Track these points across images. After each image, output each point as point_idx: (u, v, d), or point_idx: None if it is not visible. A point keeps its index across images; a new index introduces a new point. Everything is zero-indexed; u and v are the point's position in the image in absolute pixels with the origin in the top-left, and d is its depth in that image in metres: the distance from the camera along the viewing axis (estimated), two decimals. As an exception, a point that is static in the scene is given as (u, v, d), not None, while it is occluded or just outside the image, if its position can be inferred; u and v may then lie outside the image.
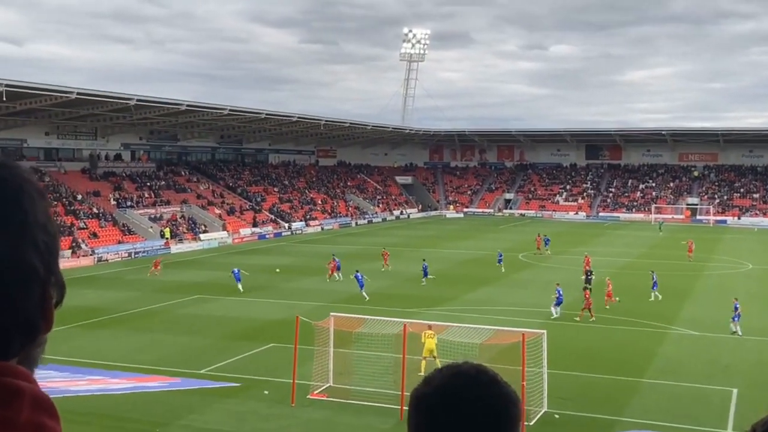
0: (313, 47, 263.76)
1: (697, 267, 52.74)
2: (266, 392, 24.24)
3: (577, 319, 35.17)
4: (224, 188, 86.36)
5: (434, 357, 25.14)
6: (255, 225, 78.32)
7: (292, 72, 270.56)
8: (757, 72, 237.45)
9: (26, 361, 1.15)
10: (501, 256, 52.60)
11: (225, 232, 73.41)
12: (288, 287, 43.96)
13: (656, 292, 40.65)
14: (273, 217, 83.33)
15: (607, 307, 37.71)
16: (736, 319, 32.92)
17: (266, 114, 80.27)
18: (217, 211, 78.03)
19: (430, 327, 26.60)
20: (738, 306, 33.30)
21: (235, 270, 44.41)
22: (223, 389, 24.82)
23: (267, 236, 76.42)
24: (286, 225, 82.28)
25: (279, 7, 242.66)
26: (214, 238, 70.83)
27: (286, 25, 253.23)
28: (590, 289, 37.97)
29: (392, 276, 47.81)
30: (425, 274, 45.72)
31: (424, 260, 47.14)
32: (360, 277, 41.28)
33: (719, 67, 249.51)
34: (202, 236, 70.38)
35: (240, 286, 42.64)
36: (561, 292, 36.69)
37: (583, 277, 43.39)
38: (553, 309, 36.30)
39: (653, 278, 41.41)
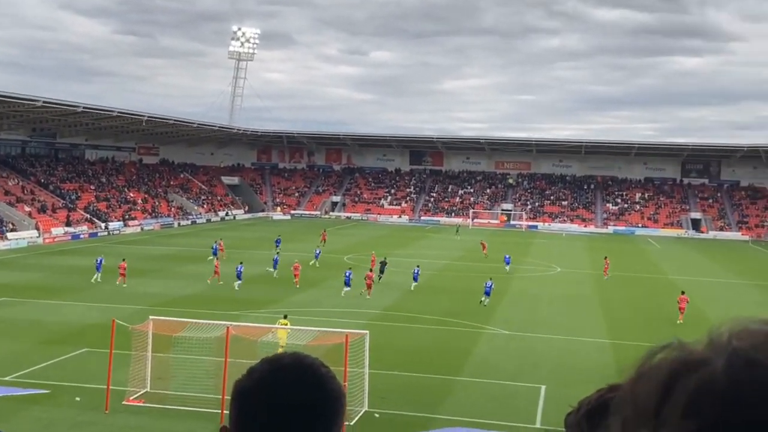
0: (128, 39, 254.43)
1: (512, 270, 55.29)
2: (78, 399, 23.10)
3: (368, 297, 41.39)
4: (35, 185, 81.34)
5: (281, 347, 25.11)
6: (68, 224, 74.28)
7: (106, 64, 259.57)
8: (562, 86, 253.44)
9: None
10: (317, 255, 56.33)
11: (35, 231, 69.16)
12: (105, 290, 42.03)
13: (487, 299, 40.66)
14: (88, 216, 79.42)
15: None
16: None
17: (84, 107, 76.37)
18: (27, 209, 73.33)
19: (285, 317, 29.02)
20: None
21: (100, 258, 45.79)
22: (31, 396, 23.42)
23: (81, 236, 72.69)
24: (103, 225, 78.66)
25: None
26: (23, 237, 66.56)
27: (98, 15, 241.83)
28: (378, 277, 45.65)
29: (220, 277, 46.92)
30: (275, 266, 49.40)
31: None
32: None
33: (528, 80, 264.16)
34: (9, 235, 65.96)
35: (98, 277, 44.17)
36: (349, 275, 42.72)
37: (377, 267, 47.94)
38: (344, 290, 42.30)
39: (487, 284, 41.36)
